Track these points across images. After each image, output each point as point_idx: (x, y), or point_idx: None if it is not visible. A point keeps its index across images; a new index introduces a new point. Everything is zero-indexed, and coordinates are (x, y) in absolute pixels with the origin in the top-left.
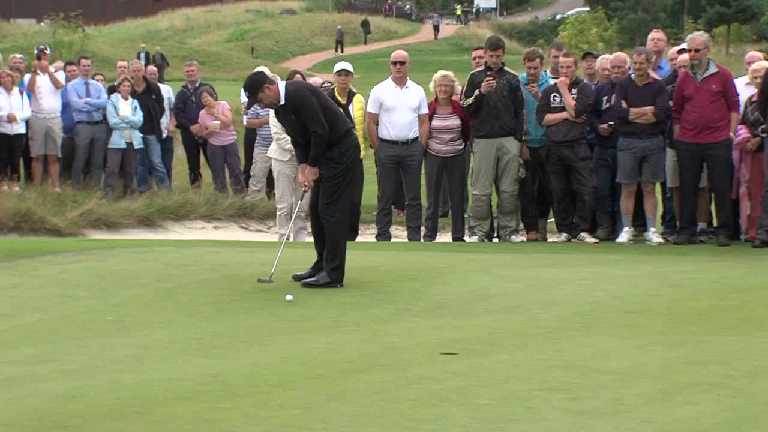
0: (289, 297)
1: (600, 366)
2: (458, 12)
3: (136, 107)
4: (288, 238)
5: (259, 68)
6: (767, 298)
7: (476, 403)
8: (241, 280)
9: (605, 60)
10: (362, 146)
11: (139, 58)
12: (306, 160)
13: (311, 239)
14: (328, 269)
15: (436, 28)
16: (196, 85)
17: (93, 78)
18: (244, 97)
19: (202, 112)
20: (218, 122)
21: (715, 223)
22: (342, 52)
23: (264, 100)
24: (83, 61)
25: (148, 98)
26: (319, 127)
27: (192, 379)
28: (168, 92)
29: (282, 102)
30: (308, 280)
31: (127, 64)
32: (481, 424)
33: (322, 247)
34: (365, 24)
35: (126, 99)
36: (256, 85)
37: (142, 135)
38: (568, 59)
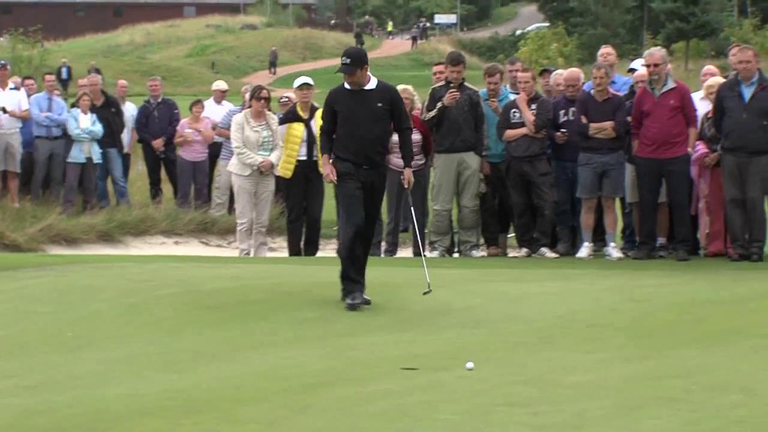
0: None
1: (562, 380)
2: (389, 28)
3: (95, 121)
4: (248, 254)
5: (218, 83)
6: (727, 313)
7: (439, 417)
8: (203, 295)
9: (558, 76)
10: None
11: (59, 73)
12: (331, 151)
13: (273, 254)
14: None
15: (415, 39)
16: (159, 99)
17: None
18: (210, 109)
19: (185, 121)
20: (191, 131)
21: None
22: (275, 73)
23: (364, 72)
24: (47, 77)
25: (108, 111)
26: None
27: (155, 394)
28: (133, 110)
29: (371, 87)
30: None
31: (86, 80)
32: None
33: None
34: (358, 36)
35: (85, 113)
36: (365, 56)
37: (101, 149)
38: (526, 74)
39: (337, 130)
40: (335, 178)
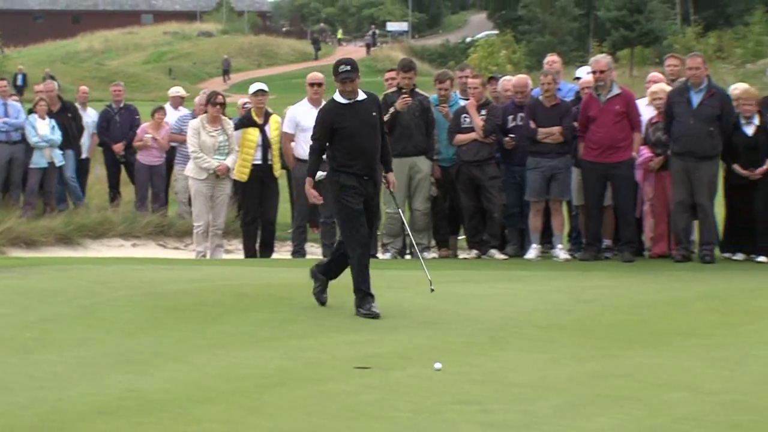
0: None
1: (512, 379)
2: (339, 35)
3: (54, 126)
4: (205, 256)
5: (175, 88)
6: (671, 313)
7: (392, 416)
8: (160, 297)
9: (507, 82)
10: (277, 165)
11: (15, 80)
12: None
13: (229, 256)
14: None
15: (369, 46)
16: (121, 105)
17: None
18: (168, 115)
19: (145, 125)
20: (150, 136)
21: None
22: (229, 79)
23: (357, 81)
24: (0, 82)
25: (64, 117)
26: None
27: (111, 395)
28: (95, 116)
29: (362, 97)
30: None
31: (42, 86)
32: None
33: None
34: (315, 42)
35: (43, 119)
36: (357, 66)
37: (61, 152)
38: (475, 81)
39: (336, 146)
40: (320, 201)
